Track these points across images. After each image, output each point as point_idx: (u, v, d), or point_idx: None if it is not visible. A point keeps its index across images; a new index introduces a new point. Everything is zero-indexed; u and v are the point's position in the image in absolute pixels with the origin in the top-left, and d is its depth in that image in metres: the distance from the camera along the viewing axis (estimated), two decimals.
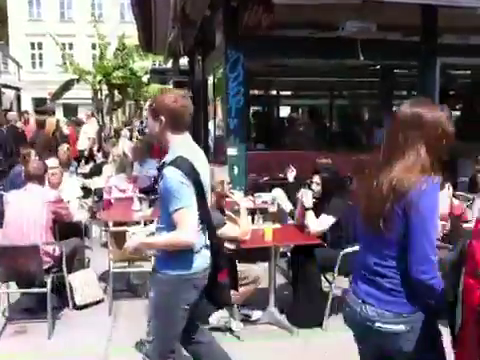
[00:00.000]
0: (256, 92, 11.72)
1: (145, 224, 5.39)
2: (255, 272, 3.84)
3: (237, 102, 5.97)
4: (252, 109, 10.98)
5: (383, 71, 9.44)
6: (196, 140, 2.65)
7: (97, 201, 6.91)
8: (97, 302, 4.48)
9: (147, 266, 4.47)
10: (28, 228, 4.03)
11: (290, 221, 4.67)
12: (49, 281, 3.92)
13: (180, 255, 2.41)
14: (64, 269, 4.28)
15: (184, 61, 12.02)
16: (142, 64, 17.10)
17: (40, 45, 32.21)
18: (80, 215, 5.11)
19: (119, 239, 4.39)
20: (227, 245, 3.67)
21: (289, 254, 4.60)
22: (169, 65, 13.70)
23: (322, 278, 4.19)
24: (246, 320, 3.98)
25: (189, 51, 9.82)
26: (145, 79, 17.94)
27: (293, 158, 5.80)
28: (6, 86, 21.63)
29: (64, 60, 17.01)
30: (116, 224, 5.09)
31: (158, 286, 2.50)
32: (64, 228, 4.67)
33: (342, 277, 3.92)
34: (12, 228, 4.03)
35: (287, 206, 4.80)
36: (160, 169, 2.43)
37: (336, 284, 3.96)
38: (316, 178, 4.22)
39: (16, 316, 4.19)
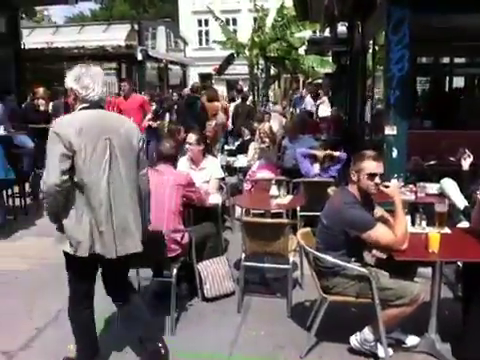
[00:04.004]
0: (424, 59, 10.22)
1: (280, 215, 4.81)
2: (413, 290, 2.92)
3: (400, 70, 4.98)
4: (419, 79, 9.60)
5: None
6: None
7: (242, 180, 6.67)
8: (227, 295, 4.10)
9: (282, 262, 3.95)
10: (156, 211, 3.73)
11: (464, 223, 3.63)
12: (175, 270, 3.61)
13: None
14: (193, 258, 3.96)
15: (343, 29, 11.15)
16: (300, 35, 16.45)
17: (206, 22, 33.48)
18: (216, 198, 4.74)
19: (252, 230, 3.92)
20: (376, 253, 2.88)
21: (460, 264, 3.60)
22: (327, 34, 12.92)
23: None
24: (397, 346, 3.18)
25: (348, 16, 8.86)
26: (302, 51, 17.28)
27: (470, 140, 4.77)
28: (173, 62, 23.05)
29: (224, 35, 17.20)
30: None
31: None
32: (199, 212, 4.37)
33: None
34: None
35: (460, 202, 3.75)
36: None
37: None
38: None
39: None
